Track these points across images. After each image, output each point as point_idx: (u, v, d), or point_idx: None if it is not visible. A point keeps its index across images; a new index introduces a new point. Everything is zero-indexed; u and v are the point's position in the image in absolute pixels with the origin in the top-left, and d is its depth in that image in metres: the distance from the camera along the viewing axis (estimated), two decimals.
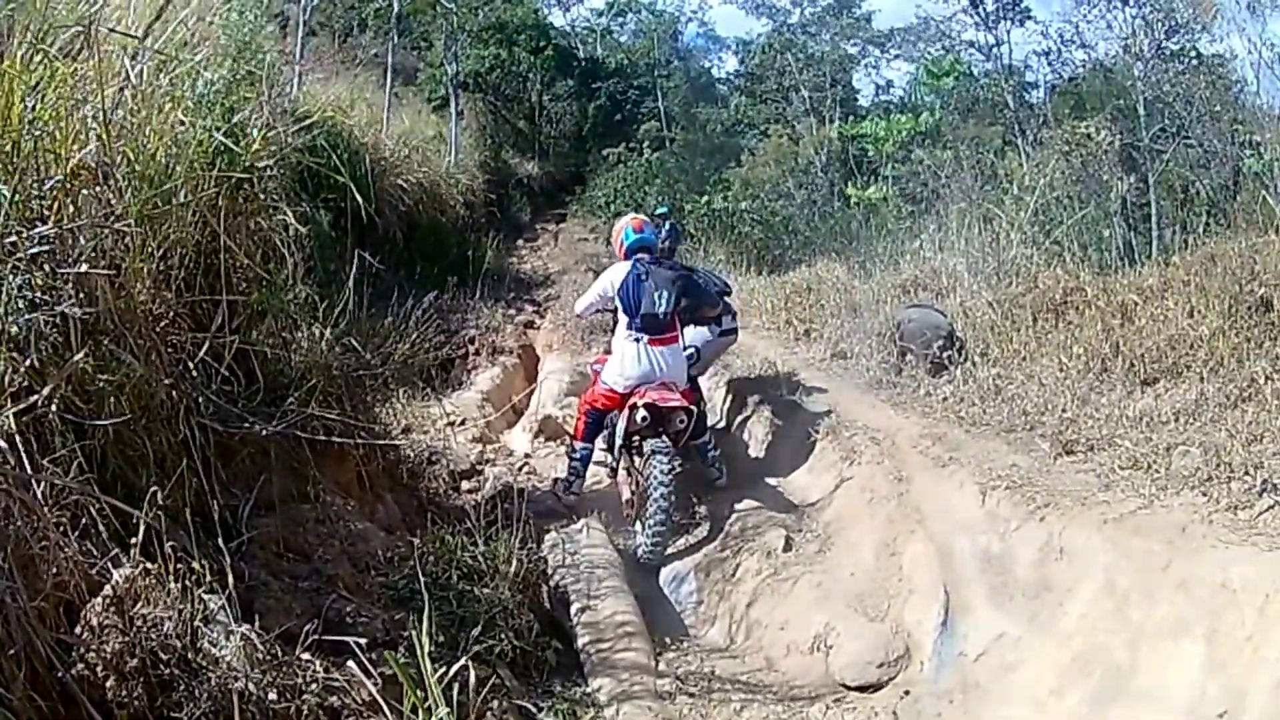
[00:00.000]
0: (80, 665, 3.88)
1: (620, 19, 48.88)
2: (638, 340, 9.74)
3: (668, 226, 10.65)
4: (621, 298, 9.92)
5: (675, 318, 9.94)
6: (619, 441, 9.89)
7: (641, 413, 9.42)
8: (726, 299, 11.27)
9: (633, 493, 9.73)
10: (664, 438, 9.39)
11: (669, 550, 9.43)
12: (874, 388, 11.13)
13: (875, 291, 14.13)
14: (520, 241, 29.25)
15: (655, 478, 9.02)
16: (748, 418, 11.93)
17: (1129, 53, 23.65)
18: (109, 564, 4.18)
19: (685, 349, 10.45)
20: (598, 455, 10.39)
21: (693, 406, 9.75)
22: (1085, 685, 5.79)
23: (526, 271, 24.89)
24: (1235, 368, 8.32)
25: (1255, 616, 5.12)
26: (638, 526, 9.57)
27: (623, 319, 9.95)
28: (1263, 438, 6.98)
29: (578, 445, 10.16)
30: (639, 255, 10.09)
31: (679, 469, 9.25)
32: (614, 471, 10.23)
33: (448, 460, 11.06)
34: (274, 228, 6.86)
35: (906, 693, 6.79)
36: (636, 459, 9.77)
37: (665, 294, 9.80)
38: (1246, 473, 6.42)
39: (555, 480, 10.77)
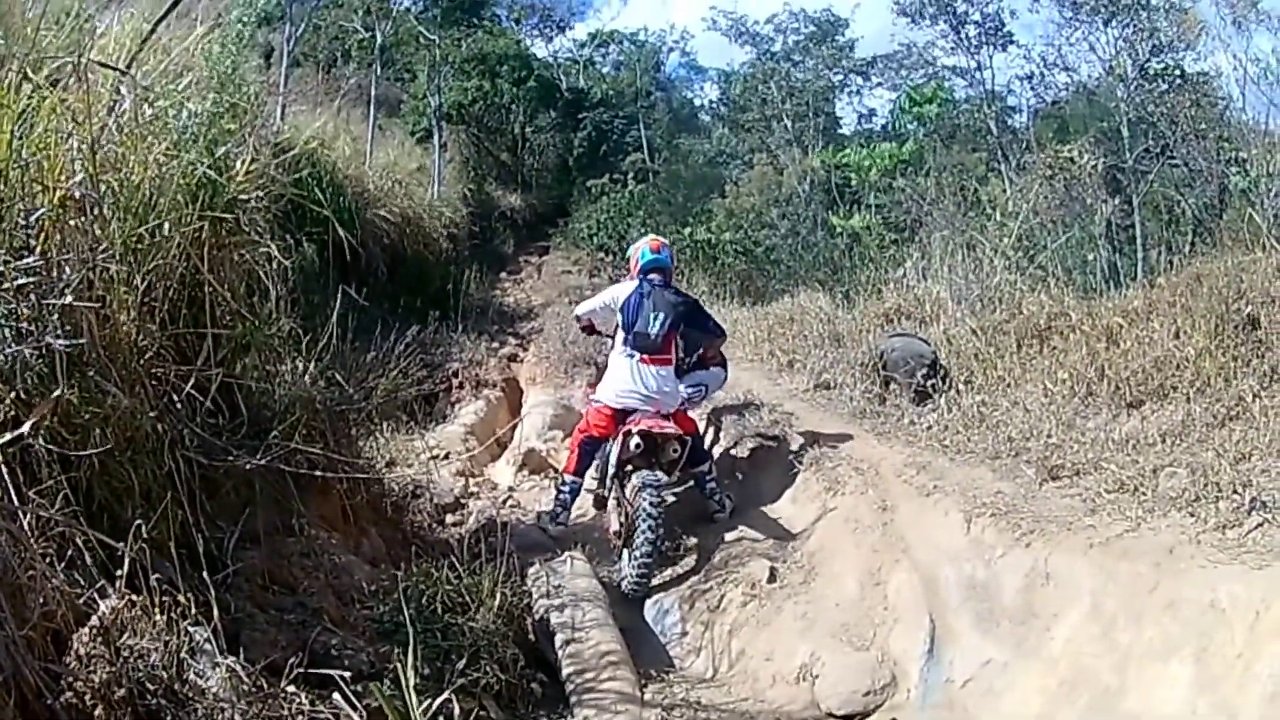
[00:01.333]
0: (69, 694, 3.88)
1: (603, 50, 49.06)
2: (631, 356, 9.88)
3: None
4: (622, 313, 10.05)
5: (669, 342, 10.02)
6: (611, 470, 9.87)
7: (635, 439, 9.45)
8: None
9: (621, 524, 9.70)
10: (655, 469, 9.40)
11: (654, 582, 9.43)
12: (858, 417, 11.11)
13: (858, 321, 14.19)
14: (504, 274, 29.28)
15: (643, 510, 8.99)
16: (731, 449, 11.90)
17: (1112, 74, 23.71)
18: (95, 595, 4.19)
19: (695, 385, 10.68)
20: (589, 484, 10.38)
21: (687, 436, 9.82)
22: (1073, 709, 5.81)
23: (510, 304, 24.90)
24: (1222, 387, 8.35)
25: (1245, 634, 5.14)
26: (624, 557, 9.57)
27: (619, 335, 10.07)
28: (1251, 455, 7.01)
29: (567, 478, 10.15)
30: (650, 275, 10.23)
31: (667, 502, 9.29)
32: (603, 502, 10.23)
33: (432, 494, 11.05)
34: (258, 260, 6.87)
35: None
36: (627, 489, 9.63)
37: (662, 316, 9.92)
38: (1235, 491, 6.43)
39: (539, 514, 10.80)
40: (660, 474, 9.36)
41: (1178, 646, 5.45)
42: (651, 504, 8.99)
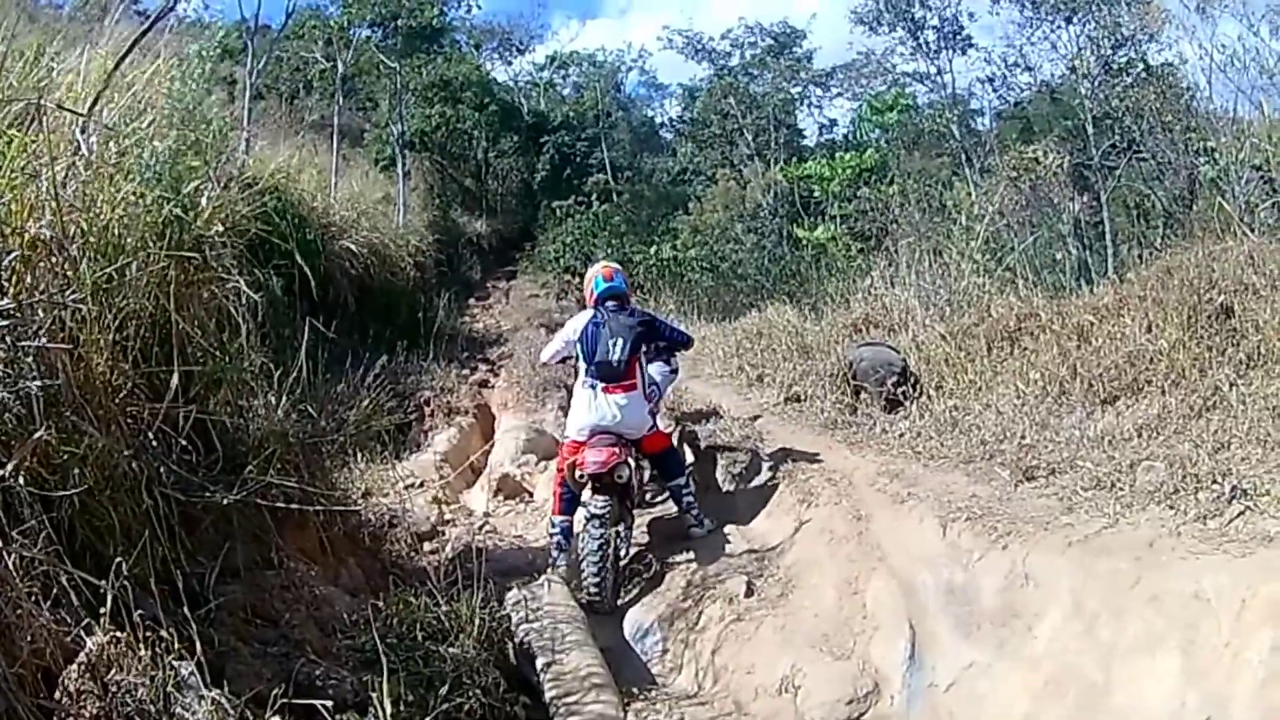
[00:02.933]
0: None
1: (562, 71, 49.26)
2: (593, 388, 9.90)
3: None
4: (580, 344, 10.11)
5: (632, 366, 9.99)
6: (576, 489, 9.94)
7: (578, 473, 9.61)
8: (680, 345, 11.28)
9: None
10: (606, 496, 9.53)
11: (625, 600, 9.59)
12: (829, 429, 11.24)
13: (826, 332, 14.34)
14: (472, 300, 29.40)
15: (586, 544, 9.34)
16: (703, 466, 11.93)
17: (1075, 71, 23.85)
18: (82, 632, 4.21)
19: (650, 385, 10.56)
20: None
21: (630, 460, 9.83)
22: (1060, 708, 5.84)
23: (479, 330, 25.01)
24: (1197, 378, 8.45)
25: (1232, 623, 5.19)
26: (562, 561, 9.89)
27: (581, 366, 10.14)
28: (1230, 444, 7.10)
29: (556, 520, 10.13)
30: (606, 303, 10.29)
31: (608, 537, 9.35)
32: (563, 538, 10.16)
33: (408, 522, 11.02)
34: (226, 296, 6.88)
35: None
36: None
37: (621, 341, 9.89)
38: (1214, 481, 6.51)
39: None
40: (603, 499, 9.50)
41: (1163, 639, 5.49)
42: (593, 537, 9.29)
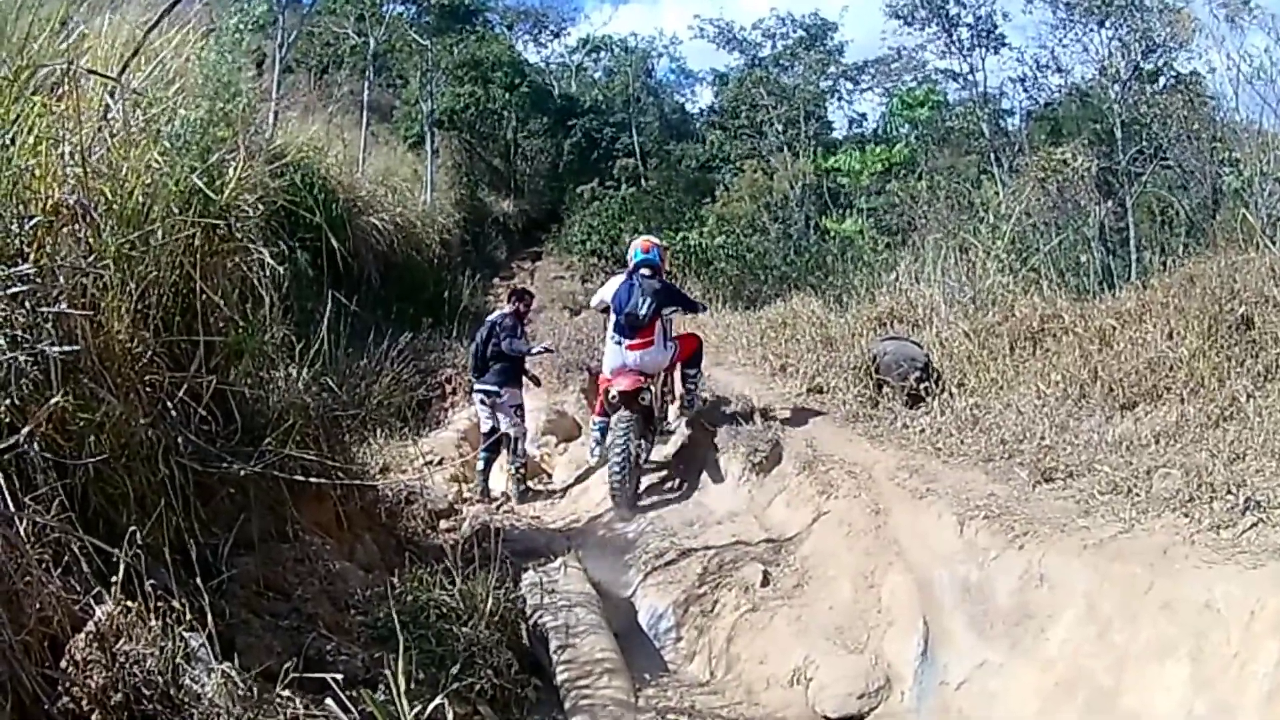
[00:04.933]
0: (66, 699, 3.89)
1: (594, 55, 48.99)
2: (618, 343, 12.10)
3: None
4: (614, 300, 12.16)
5: (654, 321, 12.03)
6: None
7: (613, 393, 11.98)
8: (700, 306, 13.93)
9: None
10: (631, 411, 11.83)
11: (650, 572, 9.72)
12: (851, 421, 11.16)
13: (851, 325, 14.25)
14: (496, 280, 29.30)
15: (612, 448, 11.70)
16: (724, 454, 11.96)
17: (1105, 75, 23.68)
18: (91, 600, 4.19)
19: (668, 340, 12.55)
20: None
21: (651, 388, 12.14)
22: (1070, 709, 5.81)
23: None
24: (1216, 387, 8.39)
25: (1241, 633, 5.15)
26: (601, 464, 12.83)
27: (611, 318, 12.33)
28: (1245, 455, 7.03)
29: (596, 419, 12.86)
30: (641, 270, 12.26)
31: (632, 442, 11.70)
32: (599, 441, 12.71)
33: (425, 500, 11.04)
34: (251, 268, 6.84)
35: None
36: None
37: (649, 300, 11.86)
38: (1229, 491, 6.45)
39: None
40: (629, 415, 11.84)
41: (1174, 646, 5.45)
42: (618, 441, 11.65)
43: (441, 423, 16.99)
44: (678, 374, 13.00)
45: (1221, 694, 5.08)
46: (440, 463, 13.84)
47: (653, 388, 12.25)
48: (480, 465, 14.11)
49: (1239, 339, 8.92)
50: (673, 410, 13.48)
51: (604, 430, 12.48)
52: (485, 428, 14.25)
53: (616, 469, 11.64)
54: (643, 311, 11.86)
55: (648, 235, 14.68)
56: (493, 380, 13.97)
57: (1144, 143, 21.64)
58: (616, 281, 12.71)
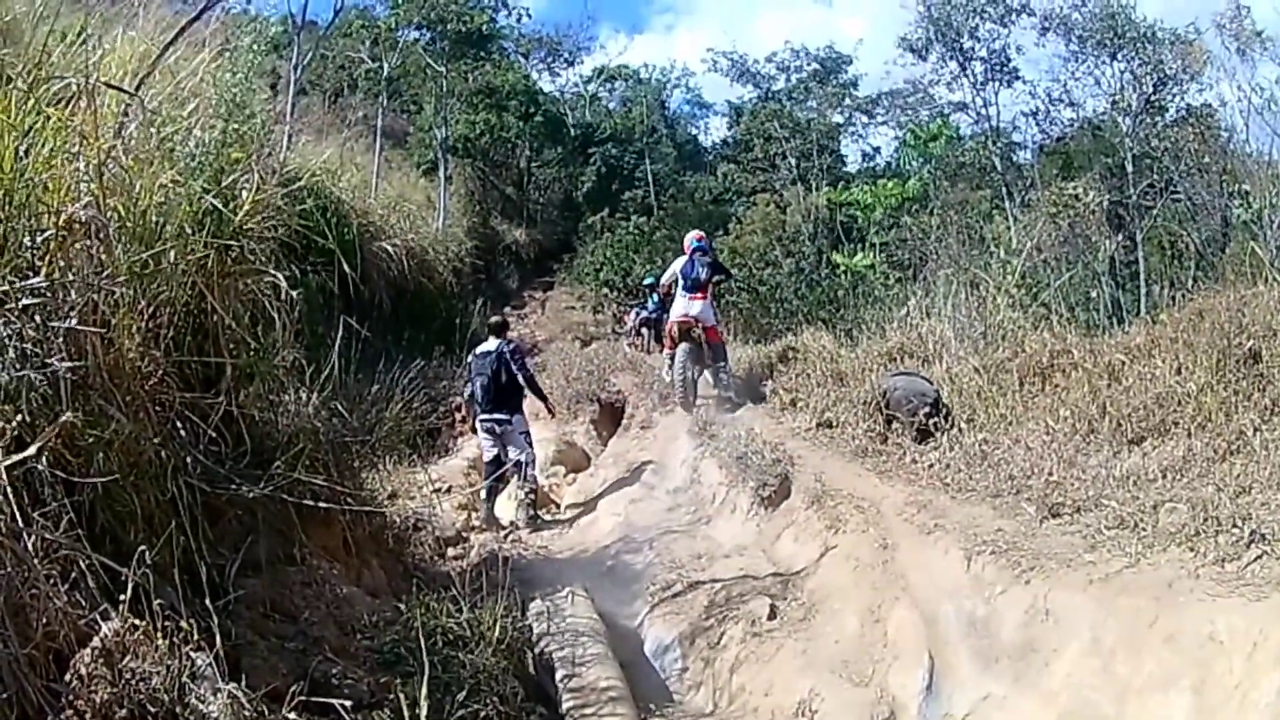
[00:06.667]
0: (69, 713, 3.87)
1: (609, 85, 49.10)
2: (684, 295, 16.76)
3: (654, 298, 20.96)
4: (682, 272, 16.91)
5: (707, 283, 16.88)
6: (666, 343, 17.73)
7: (674, 327, 16.74)
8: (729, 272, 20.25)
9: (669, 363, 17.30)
10: (688, 343, 16.43)
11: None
12: (860, 456, 11.18)
13: (861, 360, 14.28)
14: (508, 309, 29.43)
15: (675, 368, 16.46)
16: (733, 488, 11.98)
17: (1116, 108, 23.74)
18: (98, 617, 4.18)
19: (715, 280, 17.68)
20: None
21: (701, 324, 16.60)
22: None
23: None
24: (1223, 422, 8.35)
25: (1243, 664, 5.15)
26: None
27: (680, 283, 16.95)
28: (1251, 489, 7.02)
29: (667, 352, 17.59)
30: (695, 253, 17.12)
31: (690, 367, 16.42)
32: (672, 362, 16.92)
33: (433, 527, 11.08)
34: (263, 290, 6.85)
35: None
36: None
37: (705, 269, 16.91)
38: (1234, 525, 6.43)
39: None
40: (687, 345, 16.42)
41: (1177, 678, 5.45)
42: (679, 362, 16.37)
43: (450, 450, 17.04)
44: (708, 375, 17.01)
45: None
46: (449, 490, 13.87)
47: (700, 330, 16.52)
48: (484, 494, 14.23)
49: (1246, 373, 8.92)
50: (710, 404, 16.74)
51: (672, 359, 16.86)
52: (489, 457, 14.49)
53: (679, 384, 16.40)
54: (703, 276, 16.75)
55: (696, 229, 20.43)
56: (503, 410, 14.16)
57: (1154, 176, 21.74)
58: (680, 261, 17.34)
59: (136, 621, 4.18)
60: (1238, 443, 7.95)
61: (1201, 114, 22.28)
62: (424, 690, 4.87)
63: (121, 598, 4.19)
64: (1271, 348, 9.03)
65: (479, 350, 14.90)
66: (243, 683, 4.51)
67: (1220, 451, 7.94)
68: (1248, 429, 8.01)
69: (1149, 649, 5.74)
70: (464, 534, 12.34)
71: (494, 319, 16.84)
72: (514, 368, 14.43)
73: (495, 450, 14.29)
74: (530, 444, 14.59)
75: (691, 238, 17.87)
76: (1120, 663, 5.87)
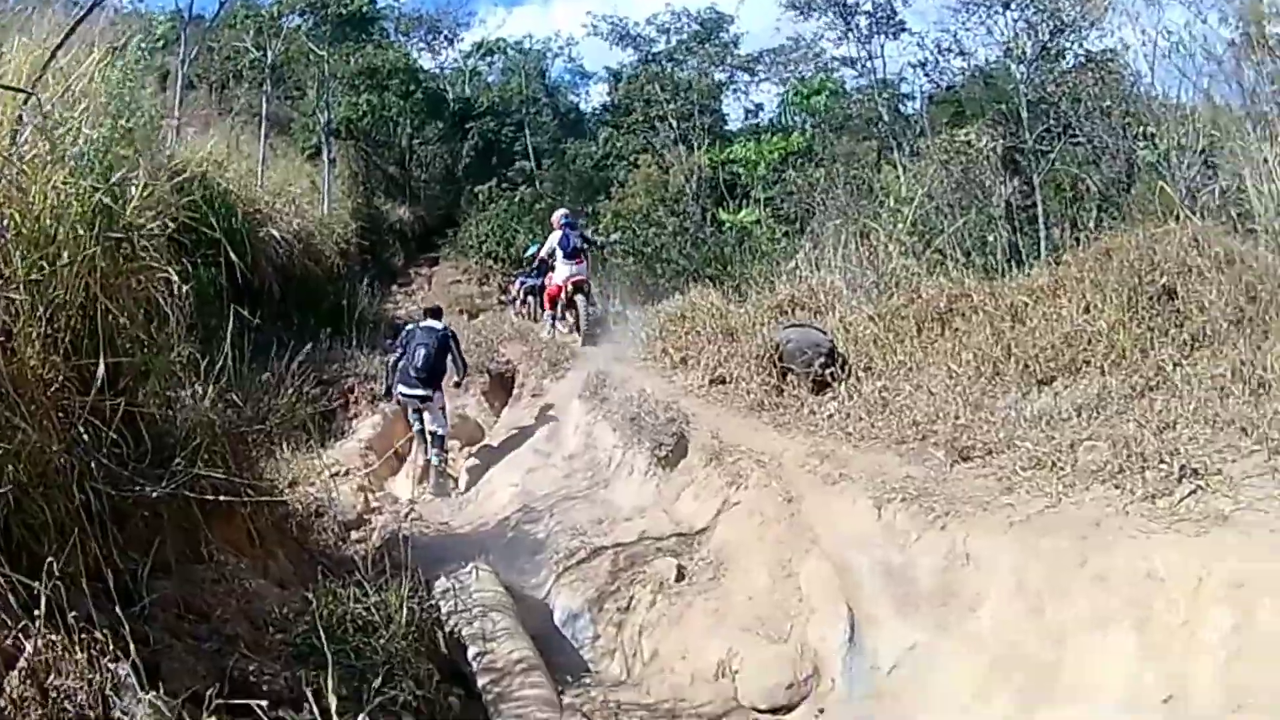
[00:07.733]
0: None
1: (489, 58, 48.88)
2: (569, 262, 20.13)
3: (536, 261, 23.12)
4: (560, 245, 20.22)
5: (581, 250, 20.46)
6: (561, 301, 20.64)
7: (569, 286, 19.99)
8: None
9: (561, 318, 20.88)
10: (583, 296, 19.91)
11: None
12: (756, 410, 11.23)
13: (752, 314, 14.25)
14: (395, 287, 29.87)
15: (580, 308, 19.77)
16: (629, 450, 12.01)
17: (1011, 56, 23.88)
18: (20, 634, 4.12)
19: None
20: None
21: (589, 284, 20.61)
22: (1009, 687, 5.88)
23: (402, 316, 25.11)
24: (1139, 358, 8.52)
25: (1189, 601, 5.22)
26: (561, 327, 20.81)
27: (559, 254, 20.31)
28: (1176, 424, 7.11)
29: (548, 312, 21.28)
30: (567, 227, 20.47)
31: (585, 306, 19.91)
32: (554, 320, 20.90)
33: (335, 511, 11.02)
34: (155, 286, 6.76)
35: (821, 711, 6.87)
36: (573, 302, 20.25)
37: (579, 240, 20.51)
38: (1161, 461, 6.51)
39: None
40: (582, 296, 19.94)
41: (1115, 618, 5.52)
42: (582, 302, 19.88)
43: (346, 433, 16.91)
44: (579, 306, 20.09)
45: (1172, 664, 5.14)
46: (346, 473, 13.77)
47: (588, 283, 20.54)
48: (436, 462, 14.81)
49: (1161, 309, 9.08)
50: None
51: (553, 318, 20.92)
52: (418, 428, 15.23)
53: (589, 330, 19.60)
54: (579, 245, 20.45)
55: (563, 209, 22.58)
56: (430, 386, 14.84)
57: (1052, 121, 21.85)
58: (556, 235, 20.59)
59: (54, 636, 4.12)
60: (1157, 379, 8.10)
61: (1102, 59, 22.41)
62: (333, 682, 4.81)
63: (36, 613, 4.13)
64: (1187, 283, 9.22)
65: (423, 324, 15.62)
66: (162, 689, 4.47)
67: (1139, 388, 8.06)
68: (1167, 364, 8.16)
69: (1079, 589, 5.81)
70: (365, 516, 12.29)
71: (432, 305, 17.42)
72: (457, 351, 15.45)
73: (419, 424, 15.03)
74: (446, 417, 15.16)
75: (559, 215, 21.58)
76: (1049, 605, 5.95)
